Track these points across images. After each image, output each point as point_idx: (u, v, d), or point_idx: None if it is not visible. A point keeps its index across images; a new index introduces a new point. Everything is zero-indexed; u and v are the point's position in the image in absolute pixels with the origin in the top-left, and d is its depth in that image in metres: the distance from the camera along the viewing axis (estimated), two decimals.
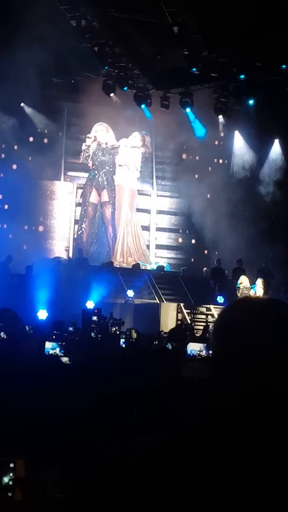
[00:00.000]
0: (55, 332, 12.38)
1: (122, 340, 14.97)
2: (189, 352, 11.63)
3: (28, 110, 28.92)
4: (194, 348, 11.76)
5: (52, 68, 25.99)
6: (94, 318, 16.30)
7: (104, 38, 24.75)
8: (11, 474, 2.47)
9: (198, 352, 11.81)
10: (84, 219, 30.45)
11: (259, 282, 24.53)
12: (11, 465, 2.47)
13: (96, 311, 16.62)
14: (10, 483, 2.57)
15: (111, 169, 30.75)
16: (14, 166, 28.93)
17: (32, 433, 4.16)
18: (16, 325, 10.89)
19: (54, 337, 11.31)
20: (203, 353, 11.70)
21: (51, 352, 10.00)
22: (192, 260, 30.50)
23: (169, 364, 6.71)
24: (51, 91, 28.14)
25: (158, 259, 30.78)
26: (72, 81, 27.60)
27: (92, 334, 15.01)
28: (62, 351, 10.01)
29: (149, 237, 31.24)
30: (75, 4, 22.78)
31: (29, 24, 21.97)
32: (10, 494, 2.52)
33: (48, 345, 10.12)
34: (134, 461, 2.03)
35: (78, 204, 30.61)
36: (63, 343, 10.20)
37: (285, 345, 2.03)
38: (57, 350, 10.08)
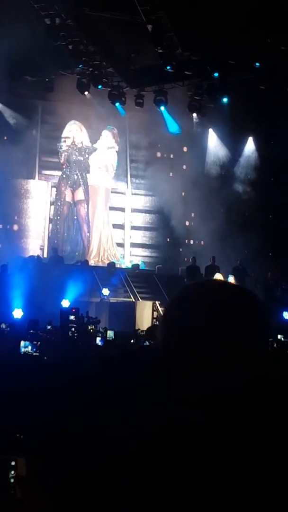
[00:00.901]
0: (30, 331, 12.33)
1: (98, 339, 14.93)
2: None
3: (1, 108, 28.80)
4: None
5: (26, 66, 25.94)
6: (72, 317, 16.27)
7: (78, 36, 24.72)
8: (12, 472, 2.46)
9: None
10: (59, 218, 30.38)
11: (231, 279, 24.56)
12: (13, 463, 2.47)
13: (73, 310, 16.58)
14: (12, 481, 2.55)
15: (85, 168, 30.71)
16: None
17: (15, 431, 4.15)
18: None
19: (29, 336, 11.27)
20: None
21: (23, 350, 9.96)
22: (167, 258, 30.50)
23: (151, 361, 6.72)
24: (24, 90, 28.03)
25: (133, 257, 30.77)
26: (46, 80, 27.54)
27: (69, 333, 14.98)
28: (34, 349, 9.98)
29: (123, 236, 31.21)
30: (49, 2, 22.72)
31: (1, 22, 21.90)
32: (12, 492, 2.50)
33: (22, 343, 10.08)
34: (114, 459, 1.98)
35: (52, 203, 30.53)
36: (38, 342, 10.17)
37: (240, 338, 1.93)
38: (29, 348, 10.05)
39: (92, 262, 29.11)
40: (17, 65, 24.98)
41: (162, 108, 28.20)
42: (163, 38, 23.85)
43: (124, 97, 27.92)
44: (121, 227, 31.21)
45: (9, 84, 26.37)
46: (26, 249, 28.98)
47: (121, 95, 27.83)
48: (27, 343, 10.12)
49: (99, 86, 26.98)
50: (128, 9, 23.10)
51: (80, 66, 26.44)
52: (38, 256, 27.16)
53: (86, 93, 27.38)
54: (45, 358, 8.92)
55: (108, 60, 26.69)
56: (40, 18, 23.17)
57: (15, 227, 29.68)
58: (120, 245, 31.06)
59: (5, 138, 28.96)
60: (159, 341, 2.00)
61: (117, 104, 28.00)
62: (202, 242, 29.45)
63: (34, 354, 9.70)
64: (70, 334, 14.88)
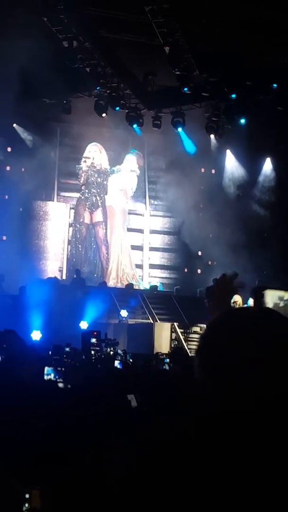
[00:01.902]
0: (53, 357, 12.22)
1: (117, 362, 14.81)
2: None
3: (20, 130, 28.96)
4: None
5: (43, 89, 26.05)
6: (93, 340, 16.20)
7: (95, 59, 24.81)
8: (27, 505, 2.40)
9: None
10: (77, 240, 30.44)
11: (251, 301, 24.42)
12: (27, 495, 2.41)
13: (95, 333, 16.51)
14: None
15: (103, 190, 30.81)
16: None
17: (39, 461, 4.10)
18: (18, 346, 10.79)
19: (53, 362, 11.16)
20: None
21: (46, 377, 9.85)
22: (185, 279, 30.43)
23: (169, 384, 6.66)
24: (42, 112, 28.15)
25: (152, 279, 30.75)
26: (64, 102, 27.64)
27: (93, 356, 14.91)
28: (57, 377, 9.87)
29: (142, 257, 31.21)
30: (67, 25, 22.83)
31: (20, 46, 22.01)
32: None
33: (46, 370, 9.96)
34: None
35: (71, 225, 30.60)
36: (62, 369, 10.05)
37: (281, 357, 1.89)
38: (52, 376, 9.93)
39: (110, 284, 29.12)
40: (34, 88, 25.11)
41: (180, 129, 28.22)
42: (180, 59, 23.89)
43: (142, 119, 27.99)
44: (140, 248, 31.21)
45: (27, 106, 26.52)
46: (45, 271, 29.03)
47: (139, 116, 27.90)
48: (50, 369, 10.00)
49: (117, 108, 27.05)
50: (145, 31, 23.18)
51: (98, 88, 26.54)
52: (55, 277, 27.15)
53: (103, 115, 27.44)
54: (69, 386, 8.81)
55: (126, 82, 26.77)
56: (57, 40, 23.27)
57: (34, 249, 29.74)
58: (139, 266, 31.06)
59: (24, 161, 29.03)
60: (198, 371, 1.96)
61: (134, 125, 28.07)
62: (219, 263, 29.33)
63: (59, 381, 9.57)
64: (92, 357, 14.80)
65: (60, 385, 9.54)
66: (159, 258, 31.41)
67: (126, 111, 27.72)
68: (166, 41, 22.98)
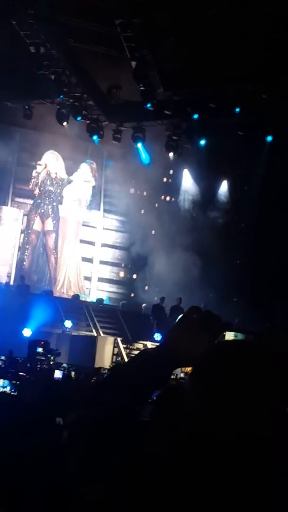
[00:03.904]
0: (9, 370, 12.05)
1: (58, 372, 14.59)
2: None
3: None
4: None
5: (6, 92, 25.88)
6: (40, 349, 16.06)
7: (61, 67, 24.74)
8: None
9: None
10: (27, 246, 30.25)
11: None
12: None
13: (42, 342, 16.37)
14: None
15: (57, 199, 30.69)
16: None
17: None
18: None
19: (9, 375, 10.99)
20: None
21: (1, 390, 9.68)
22: (132, 295, 30.41)
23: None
24: (3, 116, 27.95)
25: (100, 292, 30.66)
26: (26, 107, 27.46)
27: (38, 365, 14.76)
28: (13, 390, 9.70)
29: (91, 269, 31.11)
30: (35, 30, 22.72)
31: None
32: None
33: (1, 382, 9.78)
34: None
35: (23, 231, 30.41)
36: (17, 382, 9.88)
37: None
38: (8, 389, 9.76)
39: (57, 294, 28.96)
40: None
41: (139, 144, 28.23)
42: (146, 75, 23.94)
43: (102, 131, 27.95)
44: (90, 260, 31.12)
45: None
46: None
47: (100, 128, 27.86)
48: (6, 382, 9.82)
49: (78, 118, 26.96)
50: (113, 43, 23.20)
51: (61, 96, 26.41)
52: (7, 283, 26.88)
53: (64, 123, 27.31)
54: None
55: (89, 93, 26.72)
56: (24, 44, 23.14)
57: None
58: (88, 278, 30.96)
59: None
60: (190, 400, 1.88)
61: (94, 137, 28.00)
62: (169, 282, 29.36)
63: (12, 393, 9.40)
64: (38, 366, 14.65)
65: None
66: (108, 272, 31.35)
67: (88, 121, 27.64)
68: (134, 56, 23.02)
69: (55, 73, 24.67)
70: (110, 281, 31.30)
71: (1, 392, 9.44)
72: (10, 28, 22.21)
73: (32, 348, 16.01)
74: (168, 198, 30.79)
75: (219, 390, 1.83)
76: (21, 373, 11.67)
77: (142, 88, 24.48)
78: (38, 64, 23.66)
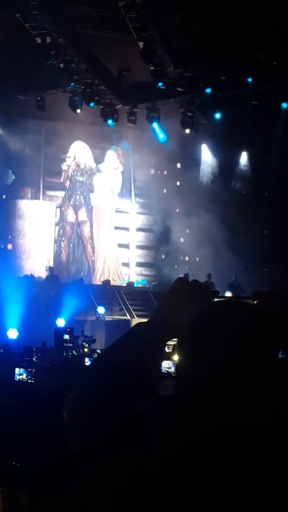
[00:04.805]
0: (24, 358, 12.13)
1: (87, 359, 14.51)
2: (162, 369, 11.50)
3: (3, 130, 28.79)
4: (163, 365, 11.58)
5: (17, 85, 25.92)
6: (67, 336, 16.10)
7: (69, 55, 24.70)
8: None
9: (167, 369, 11.68)
10: (63, 239, 30.43)
11: (228, 295, 24.48)
12: None
13: (68, 329, 16.42)
14: None
15: (88, 188, 30.78)
16: None
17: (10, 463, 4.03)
18: None
19: (24, 363, 11.11)
20: (172, 369, 11.56)
21: (18, 378, 9.81)
22: (163, 275, 30.41)
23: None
24: (17, 108, 27.96)
25: (139, 276, 30.80)
26: (38, 98, 27.44)
27: (64, 353, 14.81)
28: (29, 377, 9.82)
29: (128, 255, 31.23)
30: (40, 21, 22.70)
31: None
32: None
33: (16, 370, 9.92)
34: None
35: (57, 224, 30.56)
36: (33, 370, 10.02)
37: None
38: (24, 376, 9.89)
39: (97, 283, 29.18)
40: (8, 84, 24.94)
41: (155, 125, 28.17)
42: (154, 55, 23.85)
43: (117, 114, 27.88)
44: (126, 246, 31.24)
45: (2, 104, 26.42)
46: (32, 270, 28.71)
47: (114, 112, 27.79)
48: (22, 370, 9.96)
49: (91, 104, 26.91)
50: (119, 26, 23.13)
51: (72, 84, 26.39)
52: (31, 275, 26.99)
53: (78, 111, 27.27)
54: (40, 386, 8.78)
55: (100, 78, 26.66)
56: (31, 36, 23.13)
57: (10, 247, 29.63)
58: (126, 264, 31.10)
59: (10, 160, 29.07)
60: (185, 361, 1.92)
61: (109, 121, 27.96)
62: (197, 259, 29.33)
63: (29, 381, 9.54)
64: (65, 354, 14.71)
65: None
66: (144, 256, 31.45)
67: (101, 107, 27.60)
68: (140, 36, 22.94)
69: (63, 61, 24.64)
70: (147, 264, 31.40)
71: (18, 380, 9.61)
72: (14, 20, 22.20)
73: (58, 336, 16.06)
74: (188, 175, 30.66)
75: (206, 354, 1.85)
76: (36, 360, 11.77)
77: (152, 68, 24.41)
78: (45, 54, 23.63)
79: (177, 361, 2.02)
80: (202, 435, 1.80)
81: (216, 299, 2.17)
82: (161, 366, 11.40)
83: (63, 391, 2.11)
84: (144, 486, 1.80)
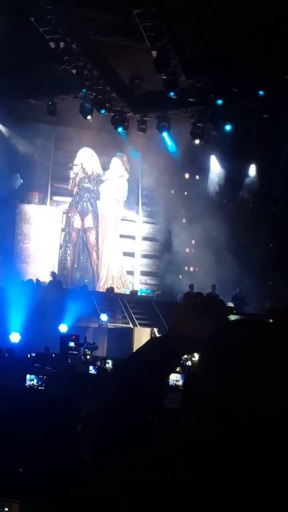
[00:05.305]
0: (36, 365, 12.11)
1: (91, 367, 14.47)
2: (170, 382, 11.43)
3: (7, 133, 28.80)
4: (171, 378, 11.51)
5: (29, 89, 25.96)
6: (71, 344, 16.08)
7: (82, 61, 24.67)
8: None
9: (175, 382, 11.60)
10: (68, 244, 30.45)
11: (230, 305, 24.42)
12: (6, 509, 2.31)
13: (73, 337, 16.39)
14: None
15: (94, 196, 30.82)
16: None
17: (26, 475, 3.98)
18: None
19: (35, 369, 11.09)
20: (180, 382, 11.47)
21: (29, 383, 9.79)
22: (167, 285, 30.38)
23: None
24: (27, 113, 28.00)
25: (143, 285, 30.80)
26: (49, 103, 27.47)
27: (69, 360, 14.77)
28: (40, 383, 9.80)
29: (133, 264, 31.22)
30: (54, 26, 22.69)
31: (6, 45, 21.95)
32: None
33: (28, 377, 9.92)
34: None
35: (63, 230, 30.59)
36: (44, 377, 10.00)
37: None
38: (35, 382, 9.86)
39: (101, 290, 29.18)
40: (20, 88, 24.98)
41: (165, 134, 28.18)
42: (167, 64, 23.81)
43: (127, 122, 27.90)
44: (131, 255, 31.24)
45: (13, 107, 26.46)
46: (36, 274, 28.70)
47: (124, 120, 27.81)
48: (33, 376, 9.95)
49: (102, 111, 26.91)
50: (133, 34, 23.11)
51: (84, 90, 26.41)
52: (37, 280, 26.95)
53: (89, 117, 27.26)
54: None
55: (112, 85, 26.64)
56: (44, 40, 23.12)
57: (24, 251, 29.72)
58: (130, 273, 31.10)
59: (19, 166, 29.13)
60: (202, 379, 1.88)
61: (119, 129, 27.97)
62: (201, 269, 29.31)
63: (40, 388, 9.54)
64: (70, 361, 14.66)
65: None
66: (150, 265, 31.44)
67: (112, 114, 27.60)
68: (154, 45, 22.90)
69: (76, 67, 24.62)
70: (151, 274, 31.40)
71: (29, 385, 9.61)
72: (28, 24, 22.19)
73: (64, 343, 16.04)
74: (196, 185, 30.66)
75: (231, 371, 1.82)
76: (47, 368, 11.75)
77: (164, 77, 24.37)
78: (58, 59, 23.61)
79: (187, 374, 2.02)
80: (226, 450, 1.78)
81: (231, 315, 2.18)
82: (168, 379, 11.38)
83: (71, 399, 2.12)
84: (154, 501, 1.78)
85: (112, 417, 2.03)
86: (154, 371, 2.11)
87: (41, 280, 27.26)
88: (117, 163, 31.19)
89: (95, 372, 13.41)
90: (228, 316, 2.15)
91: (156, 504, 1.78)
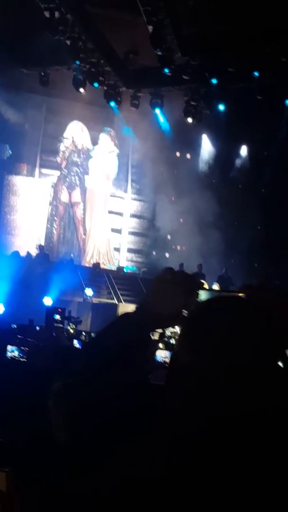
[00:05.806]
0: (19, 336, 12.05)
1: (75, 341, 14.50)
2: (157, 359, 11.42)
3: (4, 104, 28.61)
4: (160, 354, 11.51)
5: (21, 58, 25.74)
6: (57, 317, 16.05)
7: (77, 32, 24.42)
8: None
9: (164, 359, 11.58)
10: (55, 218, 30.30)
11: (215, 287, 24.41)
12: None
13: (59, 310, 16.36)
14: None
15: (83, 170, 30.65)
16: None
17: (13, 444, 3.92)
18: None
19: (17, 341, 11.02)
20: (168, 359, 11.40)
21: (10, 355, 9.74)
22: (153, 262, 30.36)
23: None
24: (21, 83, 27.76)
25: (129, 262, 30.73)
26: (42, 74, 27.24)
27: (54, 333, 14.73)
28: (21, 355, 9.74)
29: (120, 240, 31.15)
30: None
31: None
32: None
33: (8, 347, 9.86)
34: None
35: (50, 203, 30.45)
36: (26, 349, 9.93)
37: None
38: (16, 353, 9.80)
39: (86, 265, 29.11)
40: (13, 56, 24.74)
41: (158, 111, 28.03)
42: (163, 40, 23.60)
43: (120, 97, 27.73)
44: (119, 231, 31.15)
45: (5, 75, 26.22)
46: (22, 247, 28.59)
47: (117, 94, 27.63)
48: (14, 347, 9.89)
49: (95, 84, 26.70)
50: (130, 8, 22.89)
51: (77, 62, 26.16)
52: (28, 252, 26.83)
53: (81, 90, 27.04)
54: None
55: (106, 59, 26.43)
56: (39, 9, 22.83)
57: (10, 223, 29.56)
58: (117, 249, 31.03)
59: (8, 136, 28.92)
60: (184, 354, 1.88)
61: (112, 103, 27.79)
62: (188, 248, 29.28)
63: (22, 360, 9.49)
64: (54, 335, 14.62)
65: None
66: (137, 242, 31.37)
67: (105, 88, 27.40)
68: (150, 20, 22.67)
69: (70, 38, 24.35)
70: (138, 251, 31.34)
71: (10, 357, 9.56)
72: None
73: (49, 316, 16.01)
74: (186, 164, 30.54)
75: (208, 346, 1.83)
76: (29, 339, 11.69)
77: (159, 53, 24.17)
78: (53, 29, 23.34)
79: (174, 352, 2.00)
80: (210, 429, 1.78)
81: (202, 291, 2.17)
82: (155, 355, 11.34)
83: (55, 372, 2.07)
84: (142, 489, 1.77)
85: (85, 393, 2.01)
86: (126, 344, 2.08)
87: (27, 252, 27.17)
88: (105, 138, 31.03)
89: (79, 347, 13.39)
90: (198, 292, 2.12)
91: (143, 497, 1.75)
